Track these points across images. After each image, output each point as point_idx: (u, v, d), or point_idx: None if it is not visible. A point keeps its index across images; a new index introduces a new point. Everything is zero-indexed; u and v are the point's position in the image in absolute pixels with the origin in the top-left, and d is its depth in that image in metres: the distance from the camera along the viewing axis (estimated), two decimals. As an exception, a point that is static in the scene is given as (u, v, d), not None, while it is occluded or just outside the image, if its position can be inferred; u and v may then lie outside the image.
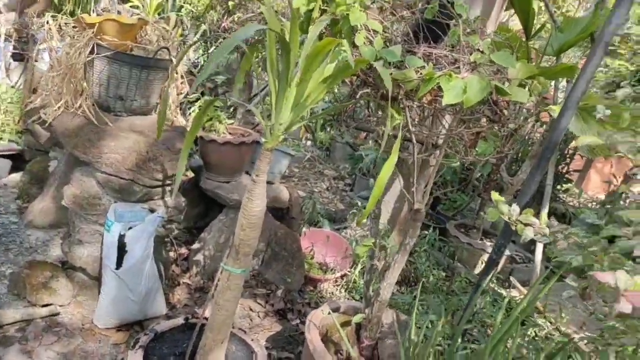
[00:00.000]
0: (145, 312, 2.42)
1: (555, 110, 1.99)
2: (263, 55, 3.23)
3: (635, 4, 2.27)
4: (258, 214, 1.61)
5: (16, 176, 3.67)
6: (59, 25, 2.54)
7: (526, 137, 4.33)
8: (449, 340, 2.33)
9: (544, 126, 3.43)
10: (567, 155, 4.66)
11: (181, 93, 3.02)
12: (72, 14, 4.20)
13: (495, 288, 3.61)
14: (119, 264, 2.24)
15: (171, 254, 3.07)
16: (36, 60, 3.99)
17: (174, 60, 2.62)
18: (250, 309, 2.81)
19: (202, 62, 4.97)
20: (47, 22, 2.56)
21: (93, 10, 4.22)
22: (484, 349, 1.62)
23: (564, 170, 4.74)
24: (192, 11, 4.78)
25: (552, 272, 2.32)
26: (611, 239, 1.70)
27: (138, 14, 3.21)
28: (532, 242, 3.93)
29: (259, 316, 2.77)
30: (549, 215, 2.17)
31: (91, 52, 2.40)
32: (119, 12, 3.10)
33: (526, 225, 1.66)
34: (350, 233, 4.00)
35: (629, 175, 2.37)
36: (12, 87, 4.07)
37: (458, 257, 3.92)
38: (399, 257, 2.00)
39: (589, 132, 2.08)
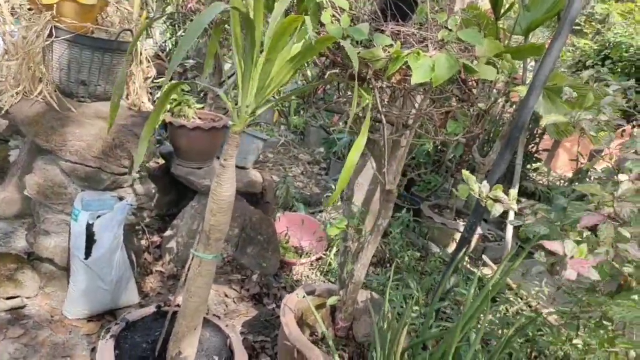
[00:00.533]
0: (117, 301, 2.38)
1: (523, 90, 2.02)
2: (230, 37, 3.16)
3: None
4: (228, 198, 1.58)
5: (-26, 167, 3.53)
6: (12, 7, 2.41)
7: (497, 118, 4.39)
8: (423, 319, 2.37)
9: (514, 106, 3.48)
10: (537, 135, 4.75)
11: (148, 77, 2.93)
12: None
13: (469, 266, 3.68)
14: (87, 253, 2.19)
15: (143, 242, 3.01)
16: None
17: (139, 43, 2.53)
18: (226, 295, 2.79)
19: (170, 46, 4.84)
20: (-1, 4, 2.43)
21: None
22: (456, 325, 1.64)
23: (534, 150, 4.84)
24: (158, -8, 4.63)
25: (521, 249, 2.37)
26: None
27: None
28: (504, 221, 4.02)
29: (234, 302, 2.76)
30: (519, 193, 2.21)
31: (49, 36, 2.30)
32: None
33: (495, 201, 1.69)
34: (325, 216, 4.00)
35: (594, 154, 2.43)
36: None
37: (431, 237, 3.97)
38: (372, 238, 2.01)
39: (556, 112, 2.12)
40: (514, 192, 1.70)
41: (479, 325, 1.79)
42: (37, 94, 2.41)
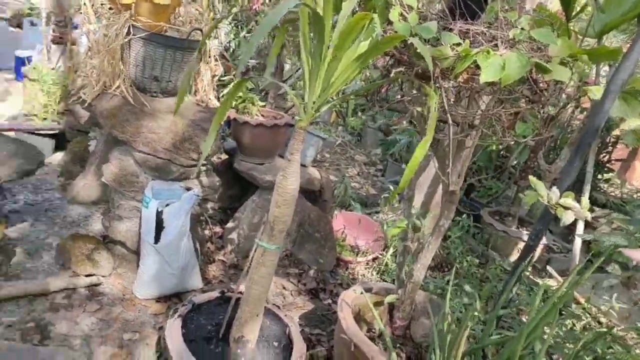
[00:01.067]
0: (183, 285, 2.50)
1: (598, 91, 1.91)
2: (294, 38, 3.23)
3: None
4: (292, 191, 1.62)
5: (58, 155, 3.84)
6: (93, 5, 2.60)
7: (565, 124, 4.18)
8: (482, 326, 2.31)
9: (585, 112, 3.31)
10: (609, 144, 4.48)
11: (215, 75, 3.06)
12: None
13: (532, 277, 3.53)
14: (157, 238, 2.32)
15: (206, 232, 3.15)
16: (73, 44, 4.12)
17: (207, 42, 2.64)
18: (284, 288, 2.86)
19: (234, 46, 5.00)
20: (84, 4, 2.63)
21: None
22: (521, 332, 1.59)
23: (605, 160, 4.56)
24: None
25: (590, 263, 2.24)
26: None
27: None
28: (570, 233, 3.82)
29: (291, 294, 2.82)
30: (590, 204, 2.10)
31: (127, 34, 2.45)
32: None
33: (566, 209, 1.61)
34: (382, 217, 3.99)
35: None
36: (53, 69, 4.23)
37: (492, 244, 3.84)
38: (432, 239, 1.99)
39: (634, 116, 1.99)
40: (585, 200, 1.62)
41: (544, 336, 1.71)
42: (115, 89, 2.59)
